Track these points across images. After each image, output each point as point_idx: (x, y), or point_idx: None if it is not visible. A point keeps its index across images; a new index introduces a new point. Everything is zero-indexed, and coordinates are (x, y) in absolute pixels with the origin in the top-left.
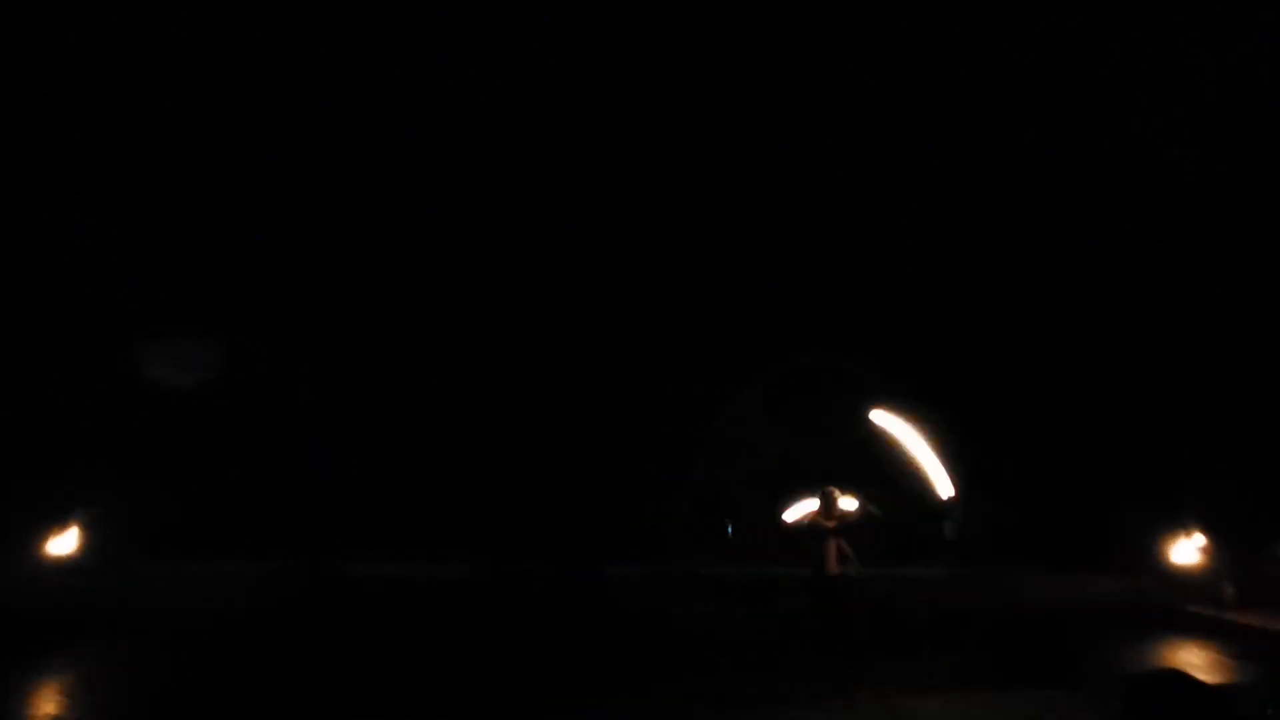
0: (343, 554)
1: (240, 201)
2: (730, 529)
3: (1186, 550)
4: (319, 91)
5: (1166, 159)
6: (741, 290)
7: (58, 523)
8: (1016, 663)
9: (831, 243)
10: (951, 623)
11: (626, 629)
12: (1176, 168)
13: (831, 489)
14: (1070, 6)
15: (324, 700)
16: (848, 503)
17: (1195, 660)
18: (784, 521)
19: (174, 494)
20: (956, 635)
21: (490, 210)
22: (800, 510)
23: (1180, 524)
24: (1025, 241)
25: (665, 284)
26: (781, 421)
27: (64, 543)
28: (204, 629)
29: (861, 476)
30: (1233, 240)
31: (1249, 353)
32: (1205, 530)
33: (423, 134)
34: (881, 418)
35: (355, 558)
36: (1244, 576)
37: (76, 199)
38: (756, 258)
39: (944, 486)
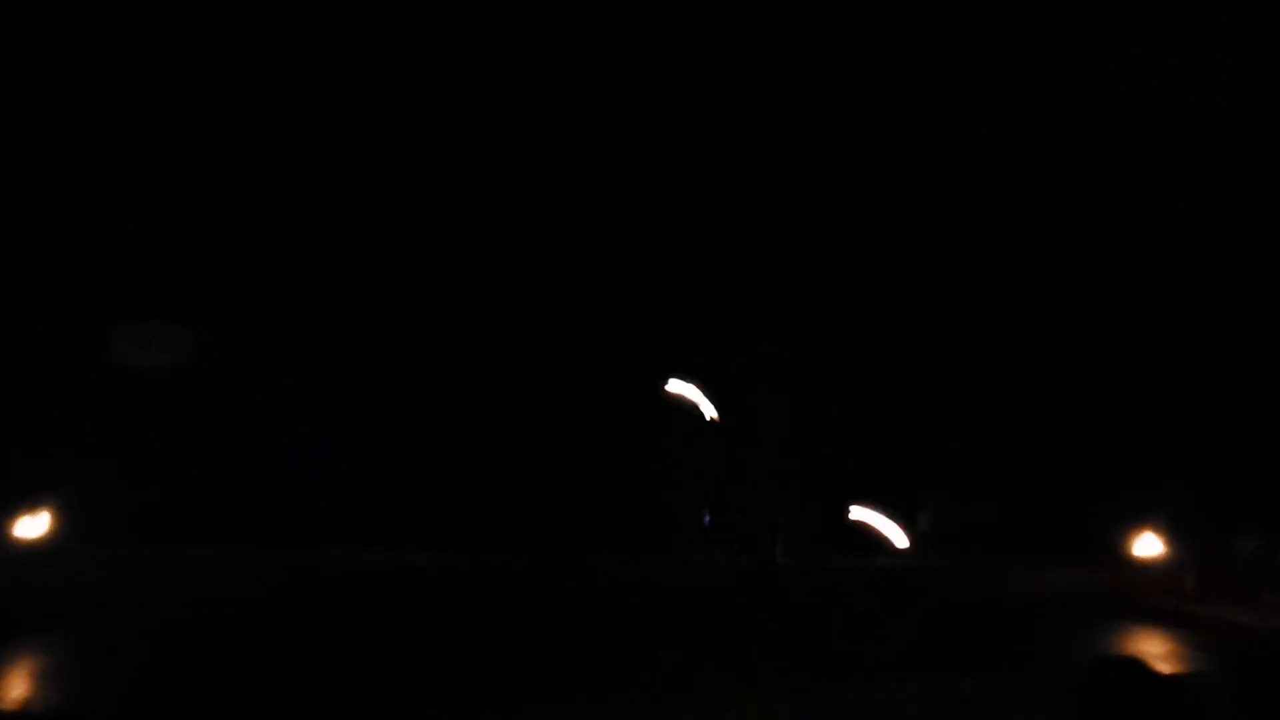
0: (319, 542)
1: (214, 185)
2: (708, 520)
3: (1149, 542)
4: (296, 75)
5: (1159, 154)
6: (729, 282)
7: (28, 506)
8: (977, 651)
9: (820, 237)
10: (914, 612)
11: (604, 620)
12: (1170, 163)
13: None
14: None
15: (299, 689)
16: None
17: (1155, 650)
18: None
19: (147, 479)
20: (919, 624)
21: (471, 196)
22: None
23: (1143, 517)
24: (1002, 234)
25: (652, 274)
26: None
27: (34, 526)
28: (177, 616)
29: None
30: (1215, 237)
31: (1213, 347)
32: (1167, 523)
33: (396, 117)
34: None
35: (332, 546)
36: (1205, 568)
37: (51, 184)
38: (745, 250)
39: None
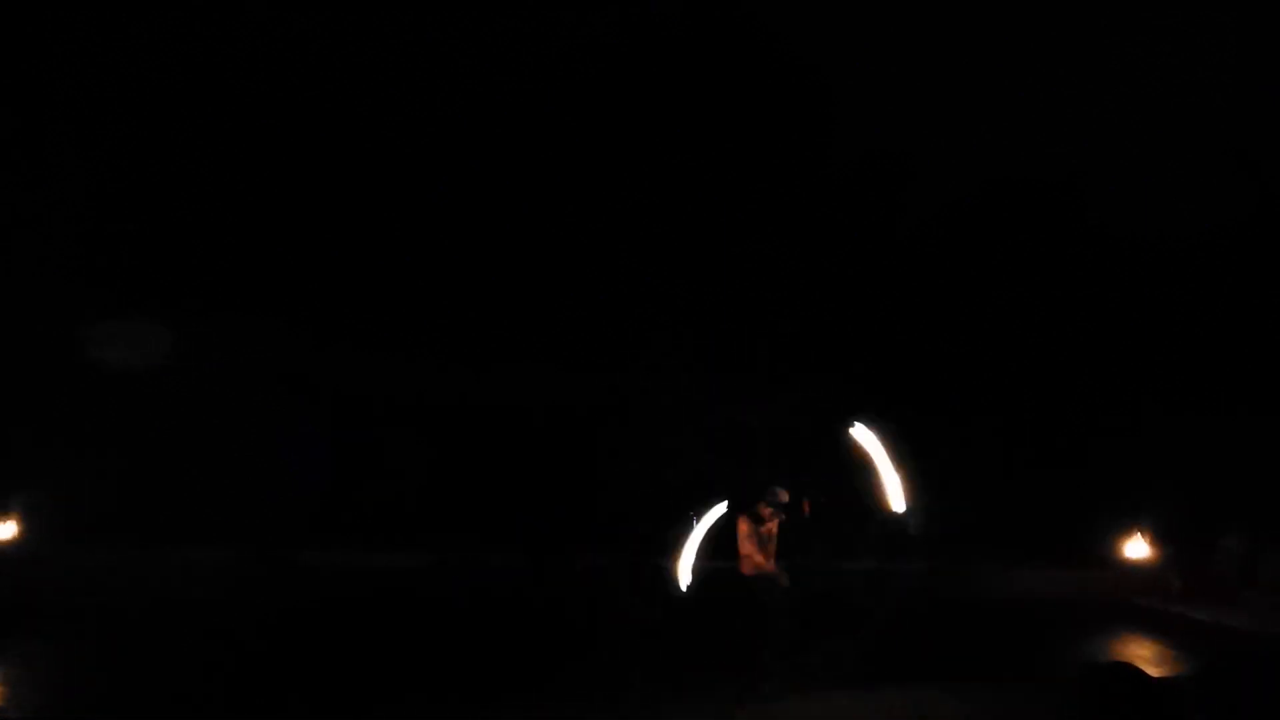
0: (298, 542)
1: (213, 184)
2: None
3: (1136, 544)
4: (296, 75)
5: (1159, 154)
6: (729, 282)
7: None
8: (966, 655)
9: (820, 237)
10: (905, 615)
11: (593, 620)
12: (1170, 163)
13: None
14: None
15: (276, 695)
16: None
17: (1142, 653)
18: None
19: (121, 479)
20: (909, 627)
21: (470, 196)
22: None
23: (1130, 518)
24: (1001, 234)
25: (651, 274)
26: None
27: (3, 529)
28: (153, 619)
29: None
30: (1215, 237)
31: (1209, 348)
32: (1153, 525)
33: (396, 117)
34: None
35: (311, 546)
36: (1191, 570)
37: (23, 177)
38: (745, 250)
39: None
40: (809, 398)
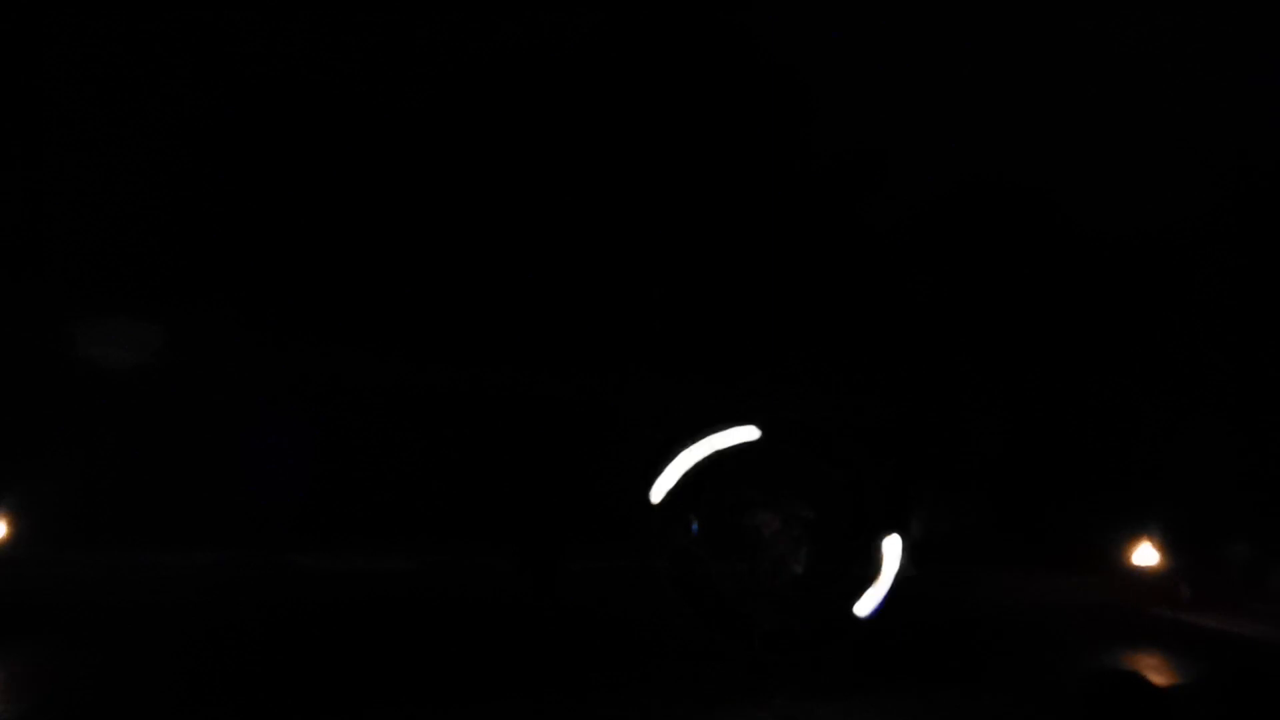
0: (291, 544)
1: (181, 170)
2: (695, 526)
3: (1144, 551)
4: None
5: (1155, 154)
6: (712, 282)
7: None
8: (970, 661)
9: (805, 236)
10: (907, 621)
11: (592, 621)
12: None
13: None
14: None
15: (274, 696)
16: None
17: (1150, 661)
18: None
19: (110, 480)
20: (912, 633)
21: (464, 195)
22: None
23: (1136, 525)
24: (991, 234)
25: (639, 275)
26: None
27: None
28: (146, 622)
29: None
30: (1208, 237)
31: (1209, 351)
32: (1161, 531)
33: (393, 116)
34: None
35: (305, 548)
36: (1201, 577)
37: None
38: (728, 250)
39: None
40: (808, 397)
